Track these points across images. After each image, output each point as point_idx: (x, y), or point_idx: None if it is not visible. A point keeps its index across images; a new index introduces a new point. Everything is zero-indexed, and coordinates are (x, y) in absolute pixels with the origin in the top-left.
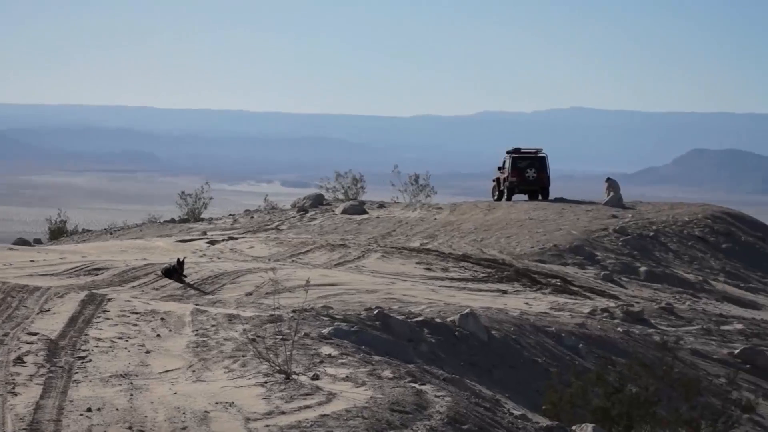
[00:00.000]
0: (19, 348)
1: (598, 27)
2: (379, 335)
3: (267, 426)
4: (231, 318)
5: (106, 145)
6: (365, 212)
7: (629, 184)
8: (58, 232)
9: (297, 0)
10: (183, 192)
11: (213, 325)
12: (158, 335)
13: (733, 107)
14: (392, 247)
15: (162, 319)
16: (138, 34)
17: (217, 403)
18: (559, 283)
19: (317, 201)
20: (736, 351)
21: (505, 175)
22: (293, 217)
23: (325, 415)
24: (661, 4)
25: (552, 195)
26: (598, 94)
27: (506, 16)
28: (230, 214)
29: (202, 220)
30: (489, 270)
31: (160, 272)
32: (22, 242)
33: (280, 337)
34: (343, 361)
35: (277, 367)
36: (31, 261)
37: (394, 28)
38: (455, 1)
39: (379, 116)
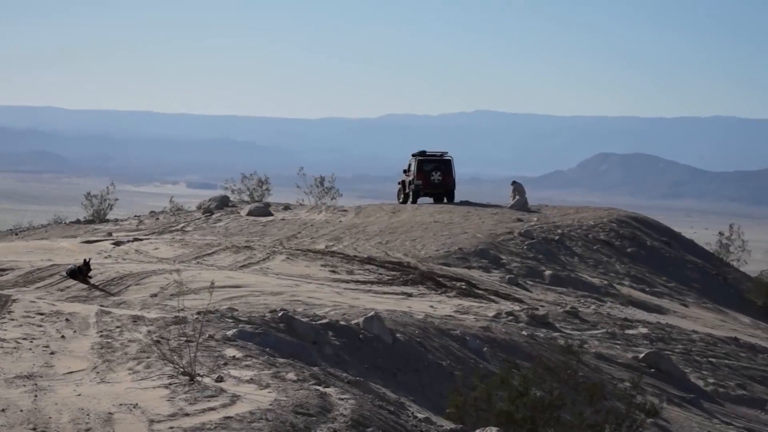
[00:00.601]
0: None
1: (503, 30)
2: (284, 337)
3: (171, 428)
4: (136, 319)
5: (12, 145)
6: (271, 214)
7: (535, 187)
8: None
9: (203, 1)
10: (89, 193)
11: (117, 327)
12: (63, 336)
13: (638, 111)
14: (297, 250)
15: (67, 320)
16: (44, 34)
17: (121, 404)
18: (464, 287)
19: (223, 203)
20: (641, 355)
21: (411, 178)
22: (198, 219)
23: (228, 417)
24: (566, 8)
25: (457, 198)
26: (504, 98)
27: (412, 18)
28: (136, 216)
29: (108, 221)
30: (394, 273)
31: (65, 273)
32: None
33: (185, 338)
34: (248, 363)
35: (182, 369)
36: None
37: (300, 28)
38: (363, 2)
39: (285, 118)
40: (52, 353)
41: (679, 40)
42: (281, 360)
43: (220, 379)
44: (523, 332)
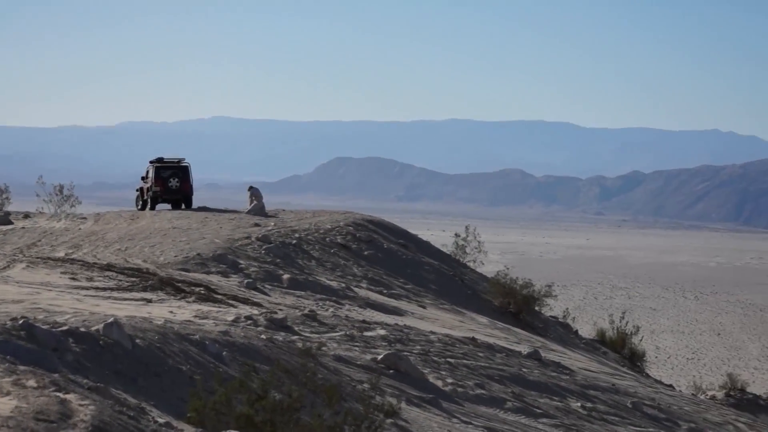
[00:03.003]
0: None
1: (238, 35)
2: (25, 345)
3: None
4: None
5: None
6: (10, 223)
7: (273, 192)
8: None
9: None
10: None
11: None
12: None
13: (374, 116)
14: (38, 257)
15: None
16: None
17: None
18: (203, 292)
19: None
20: (380, 356)
21: (149, 185)
22: None
23: None
24: (286, 16)
25: (195, 204)
26: (241, 104)
27: (149, 24)
28: None
29: None
30: (133, 279)
31: None
32: None
33: None
34: None
35: None
36: None
37: (31, 32)
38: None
39: (23, 127)
40: None
41: (405, 47)
42: (22, 367)
43: None
44: (262, 336)
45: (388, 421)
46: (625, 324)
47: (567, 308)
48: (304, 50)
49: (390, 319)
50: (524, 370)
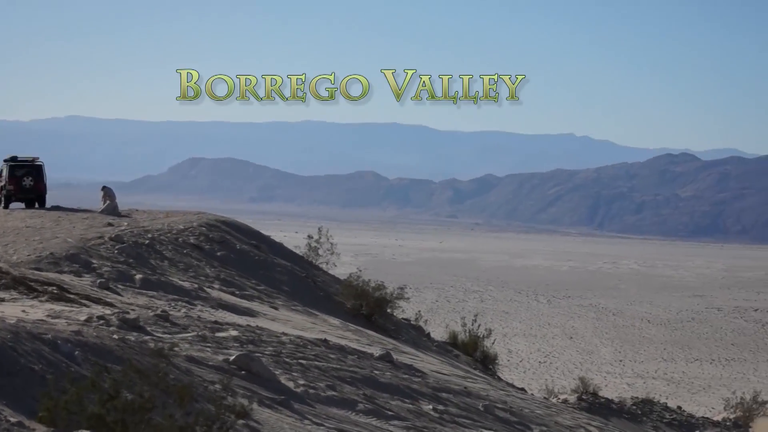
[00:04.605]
0: None
1: (90, 35)
2: None
3: None
4: None
5: None
6: None
7: (126, 192)
8: None
9: None
10: None
11: None
12: None
13: (228, 117)
14: None
15: None
16: None
17: None
18: (56, 291)
19: None
20: (232, 357)
21: (2, 184)
22: None
23: None
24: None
25: (49, 203)
26: (96, 104)
27: (7, 20)
28: None
29: None
30: None
31: None
32: None
33: None
34: None
35: None
36: None
37: None
38: None
39: None
40: None
41: (257, 48)
42: None
43: None
44: (115, 336)
45: (240, 422)
46: (478, 327)
47: (419, 311)
48: (156, 49)
49: (242, 320)
50: (376, 372)
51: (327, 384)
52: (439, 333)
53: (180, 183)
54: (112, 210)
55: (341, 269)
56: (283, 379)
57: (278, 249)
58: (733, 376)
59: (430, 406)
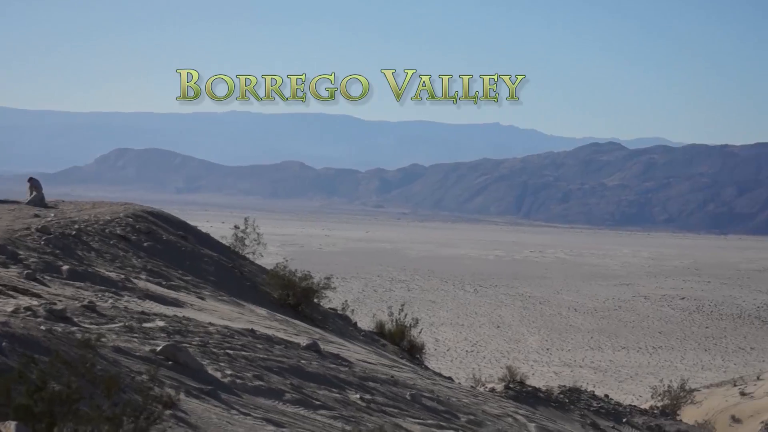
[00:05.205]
0: None
1: (23, 23)
2: None
3: None
4: None
5: None
6: None
7: (53, 183)
8: None
9: None
10: None
11: None
12: None
13: (154, 107)
14: None
15: None
16: None
17: None
18: None
19: None
20: (159, 348)
21: None
22: None
23: None
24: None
25: None
26: (21, 95)
27: None
28: None
29: None
30: None
31: None
32: None
33: None
34: None
35: None
36: None
37: None
38: None
39: None
40: None
41: (184, 37)
42: None
43: None
44: (42, 327)
45: (167, 412)
46: (405, 316)
47: (346, 300)
48: (83, 38)
49: (169, 311)
50: (303, 361)
51: (254, 374)
52: (366, 322)
53: (107, 174)
54: (38, 201)
55: (268, 259)
56: (210, 369)
57: (205, 239)
58: (660, 364)
59: (357, 395)
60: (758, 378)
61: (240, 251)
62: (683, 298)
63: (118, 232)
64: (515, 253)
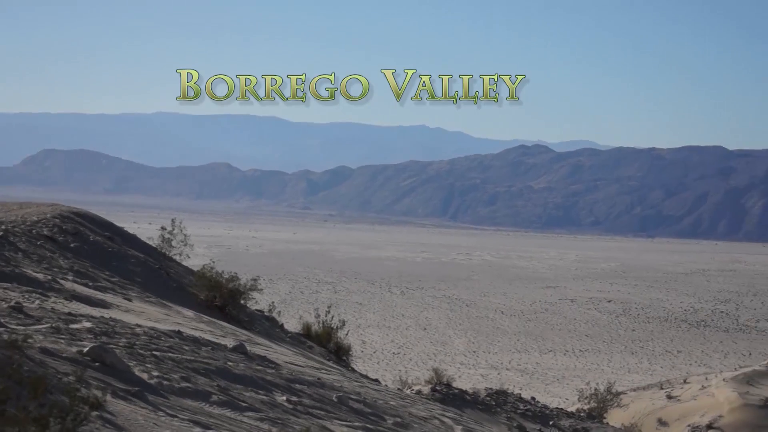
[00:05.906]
0: None
1: None
2: None
3: None
4: None
5: None
6: None
7: None
8: None
9: None
10: None
11: None
12: None
13: (82, 108)
14: None
15: None
16: None
17: None
18: None
19: None
20: (85, 349)
21: None
22: None
23: None
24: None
25: None
26: None
27: None
28: None
29: None
30: None
31: None
32: None
33: None
34: None
35: None
36: None
37: None
38: None
39: None
40: None
41: (108, 37)
42: None
43: None
44: None
45: (94, 413)
46: (331, 318)
47: (273, 302)
48: (10, 39)
49: (96, 312)
50: (230, 363)
51: (181, 375)
52: (292, 324)
53: (34, 175)
54: None
55: (195, 261)
56: (137, 371)
57: (132, 240)
58: (587, 366)
59: (284, 397)
60: (685, 381)
61: (167, 252)
62: (610, 301)
63: (45, 232)
64: (442, 256)
